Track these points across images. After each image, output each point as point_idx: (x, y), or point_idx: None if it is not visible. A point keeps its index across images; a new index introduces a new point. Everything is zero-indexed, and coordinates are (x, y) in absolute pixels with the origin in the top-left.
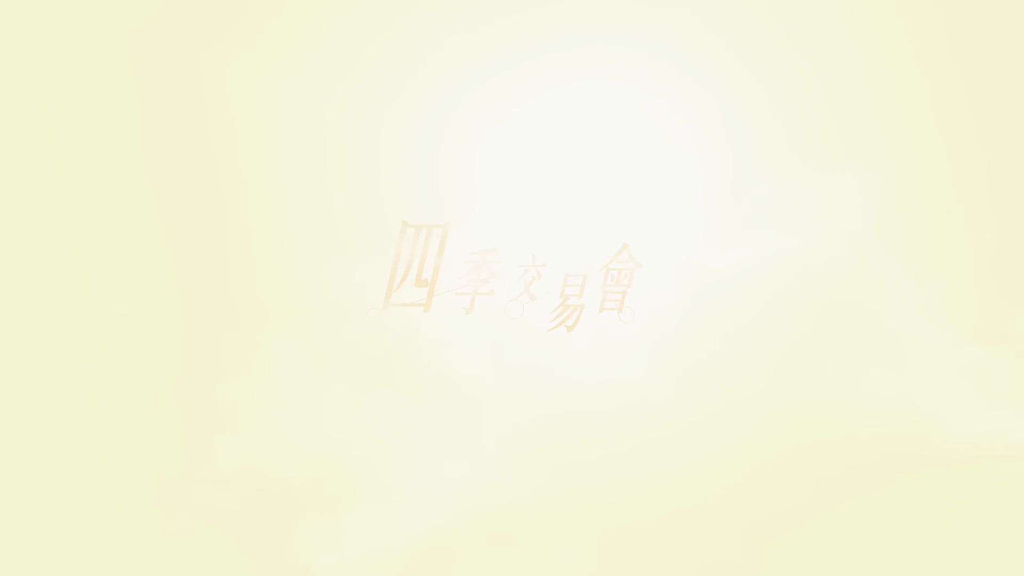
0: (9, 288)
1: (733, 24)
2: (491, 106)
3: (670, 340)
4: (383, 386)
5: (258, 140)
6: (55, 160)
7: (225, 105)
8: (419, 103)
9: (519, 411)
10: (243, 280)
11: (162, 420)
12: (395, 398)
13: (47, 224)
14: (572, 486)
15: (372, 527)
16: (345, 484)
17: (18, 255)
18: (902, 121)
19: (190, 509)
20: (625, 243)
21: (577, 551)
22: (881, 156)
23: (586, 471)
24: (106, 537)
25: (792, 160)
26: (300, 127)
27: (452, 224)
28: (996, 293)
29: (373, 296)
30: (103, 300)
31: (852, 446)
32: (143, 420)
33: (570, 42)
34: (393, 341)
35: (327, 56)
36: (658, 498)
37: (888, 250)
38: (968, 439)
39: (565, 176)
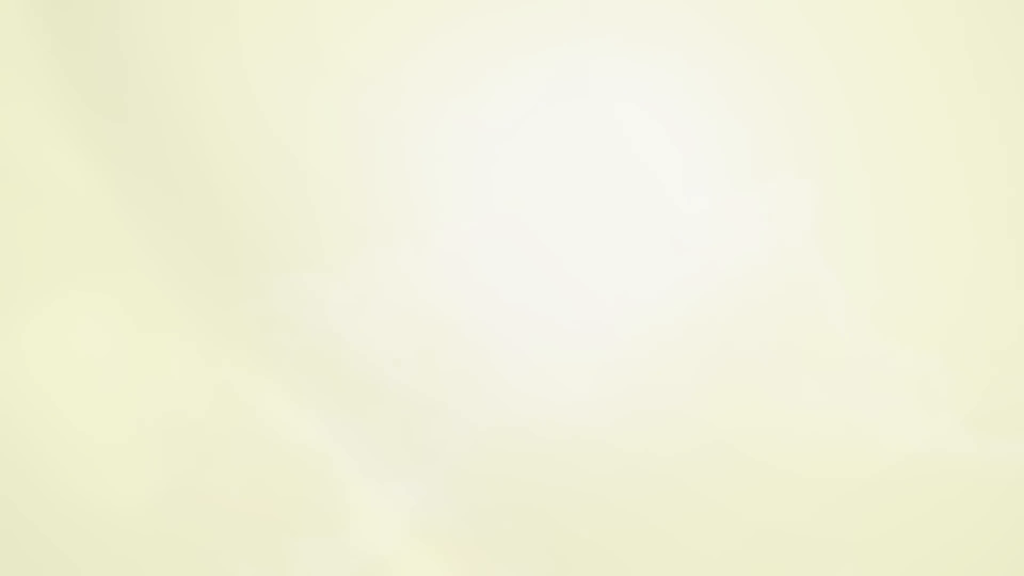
0: None
1: (671, 32)
2: (462, 110)
3: (607, 353)
4: (320, 402)
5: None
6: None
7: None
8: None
9: (462, 425)
10: (172, 294)
11: (92, 446)
12: (334, 414)
13: None
14: (519, 501)
15: (317, 555)
16: (287, 510)
17: None
18: (840, 130)
19: (124, 538)
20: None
21: (528, 570)
22: (818, 165)
23: (533, 485)
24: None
25: (728, 170)
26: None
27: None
28: (936, 301)
29: (309, 308)
30: (30, 310)
31: (787, 459)
32: (70, 449)
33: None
34: (327, 356)
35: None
36: (603, 513)
37: (825, 260)
38: (908, 449)
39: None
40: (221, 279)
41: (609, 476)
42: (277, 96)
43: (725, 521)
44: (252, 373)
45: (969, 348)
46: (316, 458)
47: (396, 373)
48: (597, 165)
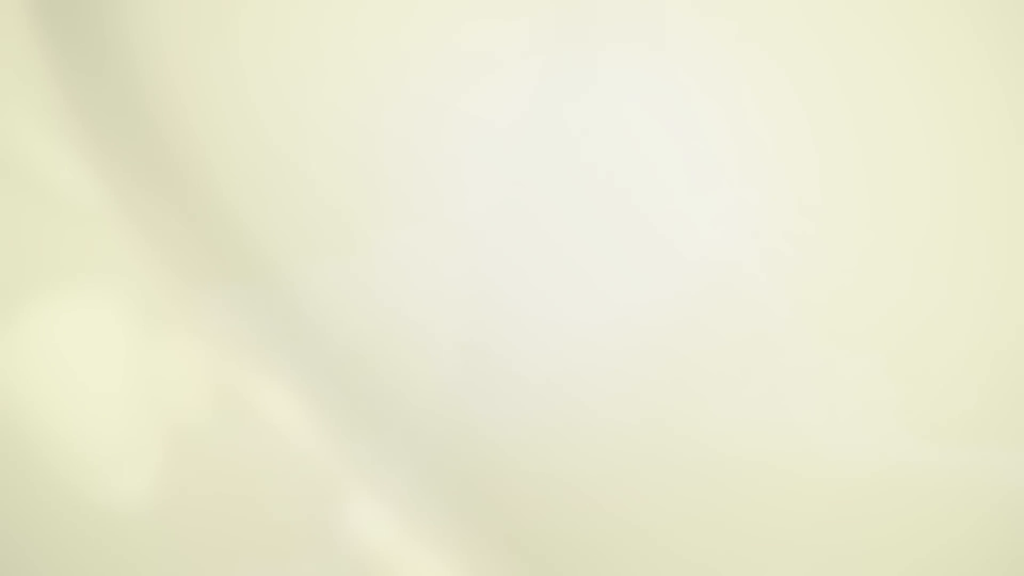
0: None
1: (607, 34)
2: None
3: (542, 367)
4: (319, 404)
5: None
6: None
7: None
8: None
9: (453, 427)
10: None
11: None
12: (334, 415)
13: None
14: (507, 503)
15: (312, 556)
16: (283, 512)
17: None
18: (782, 137)
19: (122, 539)
20: None
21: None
22: (760, 171)
23: (520, 485)
24: None
25: (670, 179)
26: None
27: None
28: (881, 308)
29: (310, 309)
30: None
31: (729, 472)
32: (68, 449)
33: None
34: (328, 356)
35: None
36: (564, 514)
37: (767, 264)
38: (854, 459)
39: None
40: (223, 280)
41: (561, 478)
42: (276, 97)
43: (658, 538)
44: (252, 374)
45: (916, 355)
46: (313, 460)
47: (396, 376)
48: (553, 174)
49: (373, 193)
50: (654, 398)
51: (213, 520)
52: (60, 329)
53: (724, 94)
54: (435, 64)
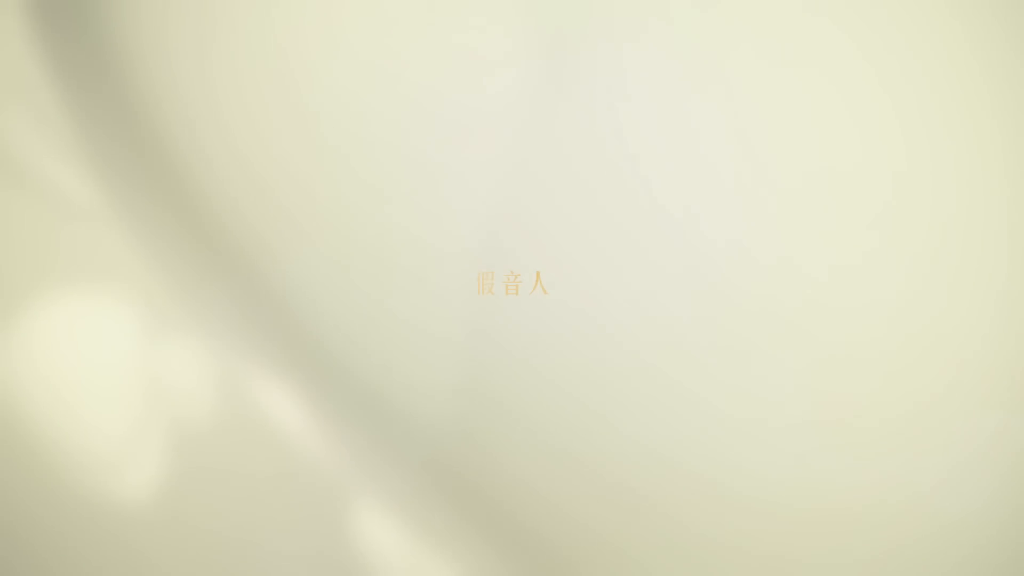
0: None
1: (606, 22)
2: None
3: (543, 365)
4: (324, 401)
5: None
6: None
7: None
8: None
9: (454, 428)
10: None
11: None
12: (337, 414)
13: None
14: (510, 502)
15: (315, 555)
16: (287, 511)
17: None
18: (762, 138)
19: (125, 538)
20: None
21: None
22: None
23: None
24: None
25: (664, 176)
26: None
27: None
28: (793, 322)
29: (312, 306)
30: None
31: (643, 496)
32: (71, 449)
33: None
34: (331, 355)
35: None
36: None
37: (696, 279)
38: (770, 475)
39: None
40: (223, 280)
41: (563, 479)
42: (275, 96)
43: (588, 559)
44: (254, 374)
45: (827, 364)
46: (316, 459)
47: (399, 377)
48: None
49: (374, 192)
50: (568, 415)
51: (214, 520)
52: (61, 329)
53: (722, 90)
54: (430, 57)
